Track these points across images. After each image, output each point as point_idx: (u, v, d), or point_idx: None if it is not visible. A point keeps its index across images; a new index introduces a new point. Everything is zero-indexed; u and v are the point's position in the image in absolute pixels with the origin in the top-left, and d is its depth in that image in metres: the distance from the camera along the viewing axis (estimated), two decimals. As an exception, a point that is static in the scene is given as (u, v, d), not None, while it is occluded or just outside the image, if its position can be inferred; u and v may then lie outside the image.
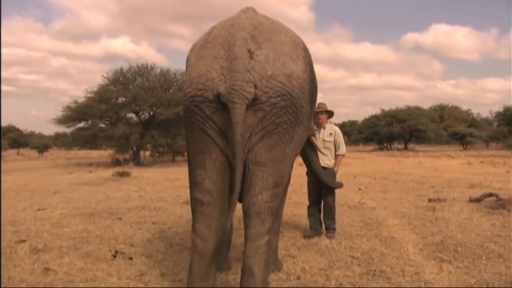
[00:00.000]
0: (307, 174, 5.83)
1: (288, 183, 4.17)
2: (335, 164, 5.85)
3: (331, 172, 5.76)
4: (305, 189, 6.10)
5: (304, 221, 6.23)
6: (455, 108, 56.11)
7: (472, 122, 51.14)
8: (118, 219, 6.94)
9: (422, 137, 42.85)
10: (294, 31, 3.52)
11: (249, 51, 3.07)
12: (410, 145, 44.67)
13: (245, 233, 3.20)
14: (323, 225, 5.86)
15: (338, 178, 6.00)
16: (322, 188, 5.78)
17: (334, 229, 5.78)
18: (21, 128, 55.22)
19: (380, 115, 46.24)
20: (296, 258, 4.67)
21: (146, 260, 4.65)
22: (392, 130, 41.64)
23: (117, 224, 6.57)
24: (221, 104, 3.03)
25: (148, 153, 28.61)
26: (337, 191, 5.98)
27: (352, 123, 58.04)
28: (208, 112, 3.11)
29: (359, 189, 10.65)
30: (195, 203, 3.28)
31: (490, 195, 8.11)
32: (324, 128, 5.85)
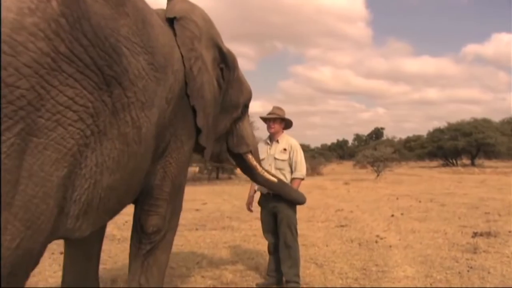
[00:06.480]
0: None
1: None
2: None
3: None
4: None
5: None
6: (531, 120, 50.78)
7: (552, 134, 45.92)
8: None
9: (491, 151, 38.69)
10: None
11: None
12: (479, 161, 40.50)
13: None
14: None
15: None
16: (276, 218, 4.07)
17: (297, 281, 3.99)
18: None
19: (444, 129, 42.61)
20: None
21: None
22: (457, 145, 37.92)
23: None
24: None
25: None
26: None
27: (417, 138, 54.34)
28: None
29: (392, 215, 8.56)
30: None
31: (562, 230, 5.90)
32: (278, 141, 4.18)
